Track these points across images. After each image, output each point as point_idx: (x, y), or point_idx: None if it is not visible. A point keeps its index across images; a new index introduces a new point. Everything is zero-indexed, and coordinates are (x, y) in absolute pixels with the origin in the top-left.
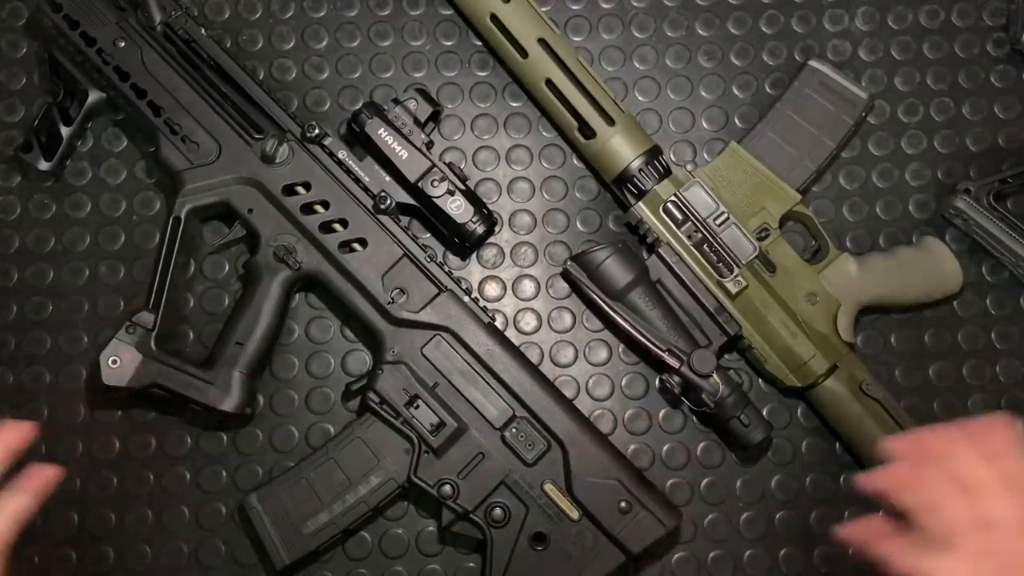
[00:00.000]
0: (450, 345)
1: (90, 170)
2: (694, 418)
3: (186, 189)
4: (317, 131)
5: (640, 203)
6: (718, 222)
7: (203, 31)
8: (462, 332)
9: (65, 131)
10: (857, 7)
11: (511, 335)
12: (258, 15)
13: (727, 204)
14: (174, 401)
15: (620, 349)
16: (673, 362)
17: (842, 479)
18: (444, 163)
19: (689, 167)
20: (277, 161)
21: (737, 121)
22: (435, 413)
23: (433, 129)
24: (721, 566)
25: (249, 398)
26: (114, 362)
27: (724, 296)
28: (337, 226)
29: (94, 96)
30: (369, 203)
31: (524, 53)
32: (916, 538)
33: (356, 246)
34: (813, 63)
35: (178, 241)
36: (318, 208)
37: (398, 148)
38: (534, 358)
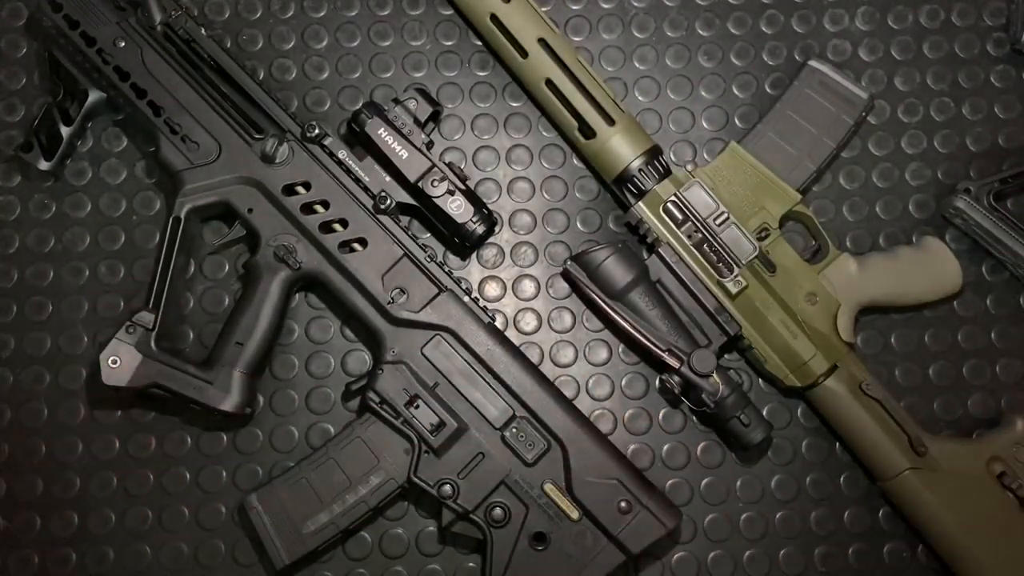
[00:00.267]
0: (450, 345)
1: (90, 170)
2: (694, 418)
3: (186, 189)
4: (317, 131)
5: (640, 203)
6: (718, 222)
7: (203, 31)
8: (462, 332)
9: (65, 131)
10: (857, 7)
11: (511, 335)
12: (258, 15)
13: (727, 204)
14: (174, 401)
15: (620, 349)
16: (673, 362)
17: (842, 479)
18: (444, 163)
19: (689, 167)
20: (277, 161)
21: (737, 121)
22: (435, 413)
23: (433, 129)
24: (721, 566)
25: (249, 398)
26: (114, 362)
27: (724, 296)
28: (337, 226)
29: (94, 96)
30: (369, 203)
31: (524, 53)
32: None
33: (356, 246)
34: (813, 63)
35: (178, 241)
36: (318, 208)
37: (398, 148)
38: (534, 358)
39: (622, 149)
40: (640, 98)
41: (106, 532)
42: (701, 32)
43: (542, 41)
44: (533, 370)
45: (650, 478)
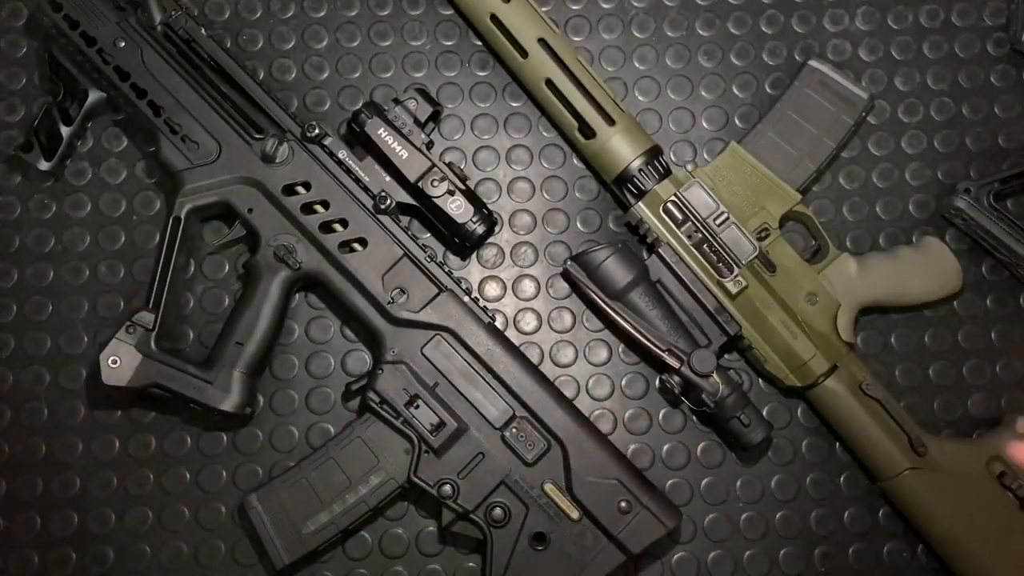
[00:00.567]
0: (450, 345)
1: (90, 170)
2: (694, 418)
3: (186, 189)
4: (317, 131)
5: (640, 203)
6: (718, 222)
7: (203, 31)
8: (462, 332)
9: (65, 131)
10: (857, 7)
11: (511, 335)
12: (258, 15)
13: (727, 204)
14: (174, 401)
15: (620, 349)
16: (673, 362)
17: (842, 479)
18: (444, 163)
19: (689, 167)
20: (277, 161)
21: (737, 121)
22: (435, 413)
23: (433, 129)
24: (721, 566)
25: (249, 398)
26: (114, 362)
27: (724, 296)
28: (337, 226)
29: (94, 96)
30: (369, 203)
31: (524, 53)
32: None
33: (356, 246)
34: (813, 63)
35: (178, 241)
36: (318, 208)
37: (398, 148)
38: (534, 358)
39: (622, 149)
40: (640, 98)
41: (106, 532)
42: (701, 32)
43: (542, 41)
44: (533, 370)
45: (650, 478)
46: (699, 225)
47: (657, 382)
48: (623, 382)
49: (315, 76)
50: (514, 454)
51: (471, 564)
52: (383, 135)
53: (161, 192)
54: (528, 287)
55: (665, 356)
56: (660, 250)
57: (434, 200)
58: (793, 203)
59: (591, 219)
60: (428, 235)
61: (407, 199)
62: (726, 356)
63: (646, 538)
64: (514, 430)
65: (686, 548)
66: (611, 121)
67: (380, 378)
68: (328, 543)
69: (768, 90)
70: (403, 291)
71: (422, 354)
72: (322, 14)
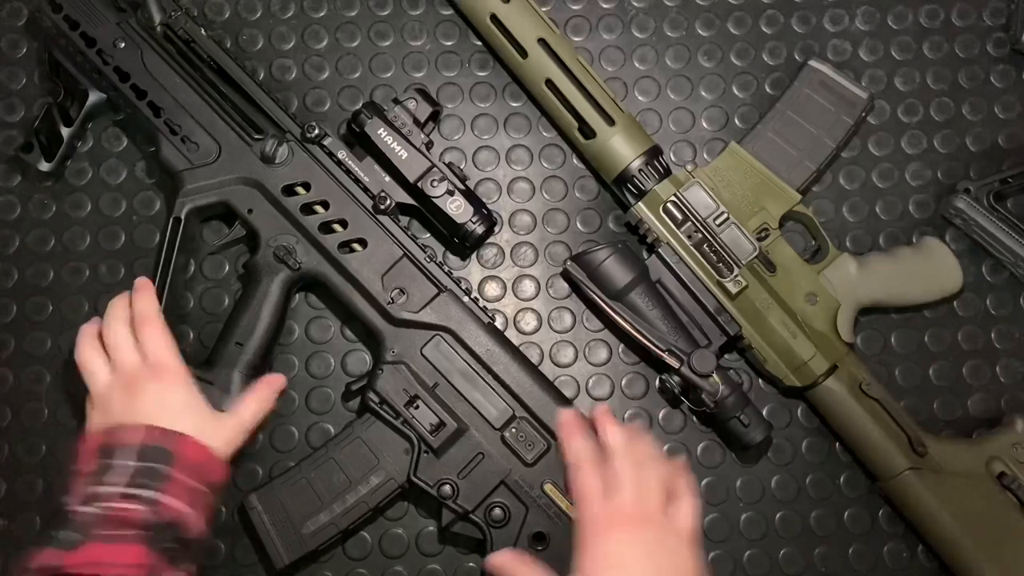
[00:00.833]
0: (450, 345)
1: (90, 170)
2: (694, 418)
3: (186, 189)
4: (317, 131)
5: (640, 203)
6: (718, 222)
7: (203, 31)
8: (462, 332)
9: (65, 131)
10: (857, 7)
11: (511, 335)
12: (258, 15)
13: (727, 204)
14: None
15: (620, 349)
16: (673, 362)
17: (842, 479)
18: (444, 163)
19: (689, 167)
20: (277, 161)
21: (737, 121)
22: (435, 413)
23: (433, 129)
24: (721, 566)
25: None
26: None
27: (724, 296)
28: (337, 226)
29: (94, 97)
30: (369, 203)
31: (524, 53)
32: None
33: (356, 246)
34: (813, 63)
35: (178, 241)
36: (318, 208)
37: (398, 148)
38: (534, 358)
39: (622, 149)
40: (640, 98)
41: None
42: (701, 32)
43: (542, 41)
44: (533, 370)
45: None
46: (699, 225)
47: (657, 382)
48: (623, 382)
49: (315, 76)
50: (514, 454)
51: (471, 564)
52: (383, 135)
53: (161, 192)
54: (528, 287)
55: (665, 356)
56: (660, 250)
57: (434, 200)
58: (793, 203)
59: (591, 219)
60: (428, 235)
61: (407, 199)
62: (726, 356)
63: None
64: (514, 430)
65: None
66: (611, 121)
67: (380, 378)
68: (328, 543)
69: (768, 90)
70: (403, 291)
71: (422, 354)
72: (322, 14)
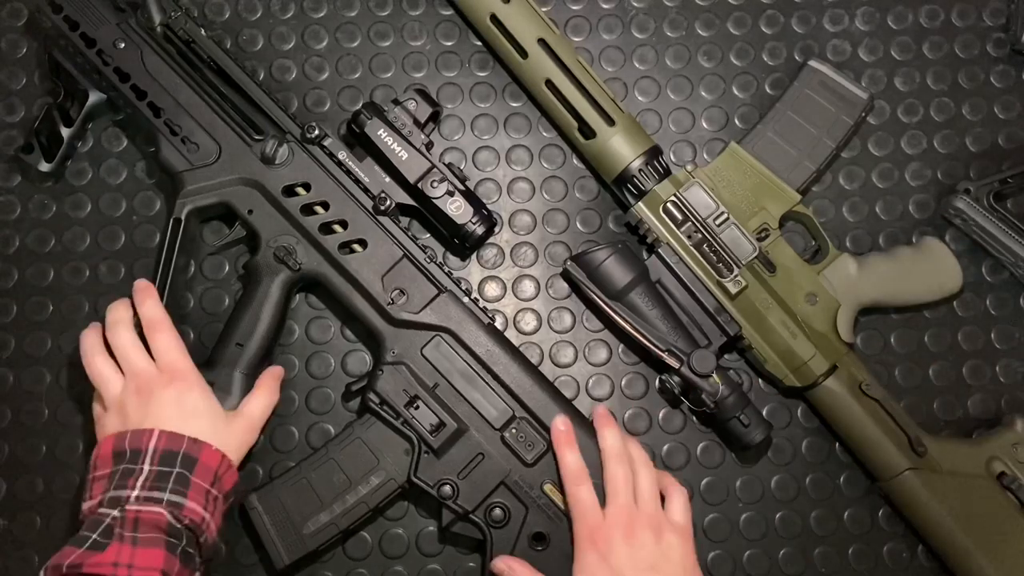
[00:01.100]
0: (450, 346)
1: (90, 170)
2: (694, 418)
3: (186, 190)
4: (317, 132)
5: (640, 203)
6: (718, 222)
7: (203, 32)
8: (462, 333)
9: (65, 132)
10: (857, 7)
11: (511, 335)
12: (258, 15)
13: (727, 204)
14: None
15: (620, 349)
16: (673, 362)
17: (842, 479)
18: (444, 163)
19: (689, 167)
20: (277, 162)
21: (737, 121)
22: (435, 414)
23: (433, 129)
24: (721, 566)
25: None
26: None
27: (724, 296)
28: (337, 227)
29: (94, 97)
30: (369, 204)
31: (524, 53)
32: None
33: (356, 247)
34: (813, 63)
35: (178, 242)
36: (318, 209)
37: (398, 149)
38: (534, 358)
39: (622, 149)
40: (640, 98)
41: None
42: (701, 32)
43: (542, 41)
44: (533, 370)
45: None
46: (699, 225)
47: (657, 382)
48: (623, 382)
49: (315, 76)
50: (514, 455)
51: (471, 564)
52: (383, 136)
53: (161, 193)
54: (528, 287)
55: (665, 356)
56: (660, 250)
57: (434, 201)
58: (793, 203)
59: (591, 219)
60: (428, 236)
61: (407, 200)
62: (726, 356)
63: None
64: (514, 431)
65: None
66: (611, 121)
67: (380, 379)
68: (328, 543)
69: (768, 90)
70: (403, 292)
71: (422, 355)
72: (322, 14)
